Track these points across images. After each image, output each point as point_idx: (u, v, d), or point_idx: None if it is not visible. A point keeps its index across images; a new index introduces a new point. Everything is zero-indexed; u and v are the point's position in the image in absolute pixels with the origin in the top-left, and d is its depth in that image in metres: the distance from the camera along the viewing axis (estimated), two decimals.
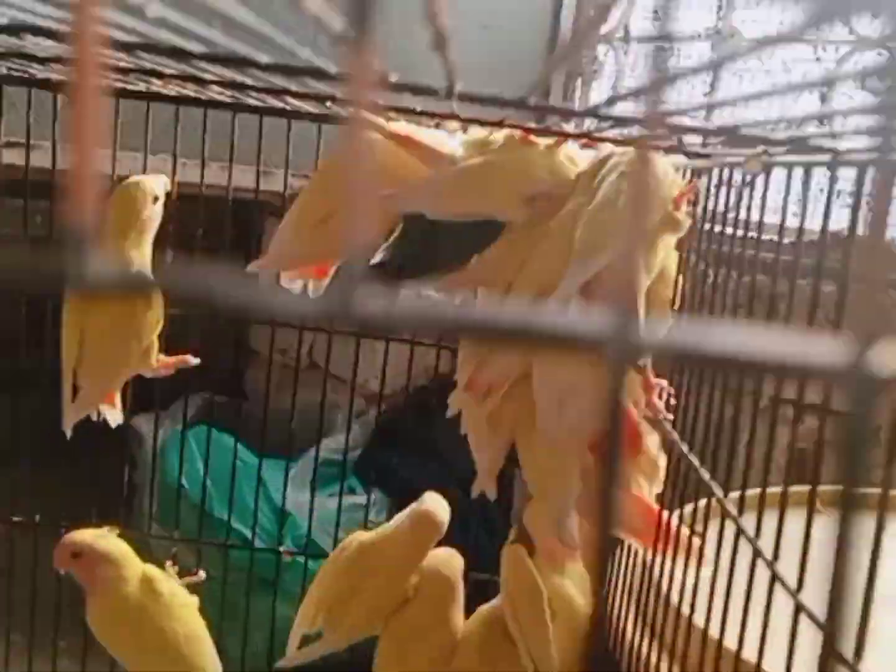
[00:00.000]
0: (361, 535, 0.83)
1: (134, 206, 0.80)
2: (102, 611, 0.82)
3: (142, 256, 0.81)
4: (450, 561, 0.81)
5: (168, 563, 0.89)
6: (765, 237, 0.61)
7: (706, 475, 0.63)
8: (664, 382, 0.63)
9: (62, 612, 0.99)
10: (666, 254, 0.62)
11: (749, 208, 0.63)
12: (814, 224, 0.58)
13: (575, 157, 0.65)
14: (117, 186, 0.82)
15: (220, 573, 1.13)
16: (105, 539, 0.84)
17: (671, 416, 0.64)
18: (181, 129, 0.97)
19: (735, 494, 0.60)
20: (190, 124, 0.98)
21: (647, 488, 0.64)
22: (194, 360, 0.87)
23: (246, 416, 1.50)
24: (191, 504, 1.15)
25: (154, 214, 0.82)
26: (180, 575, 0.90)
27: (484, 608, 0.80)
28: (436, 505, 0.81)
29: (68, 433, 0.83)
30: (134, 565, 0.84)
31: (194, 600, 0.88)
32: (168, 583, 0.86)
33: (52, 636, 1.02)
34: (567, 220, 0.60)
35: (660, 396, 0.62)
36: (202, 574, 0.92)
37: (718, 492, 0.61)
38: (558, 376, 0.59)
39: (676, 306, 0.65)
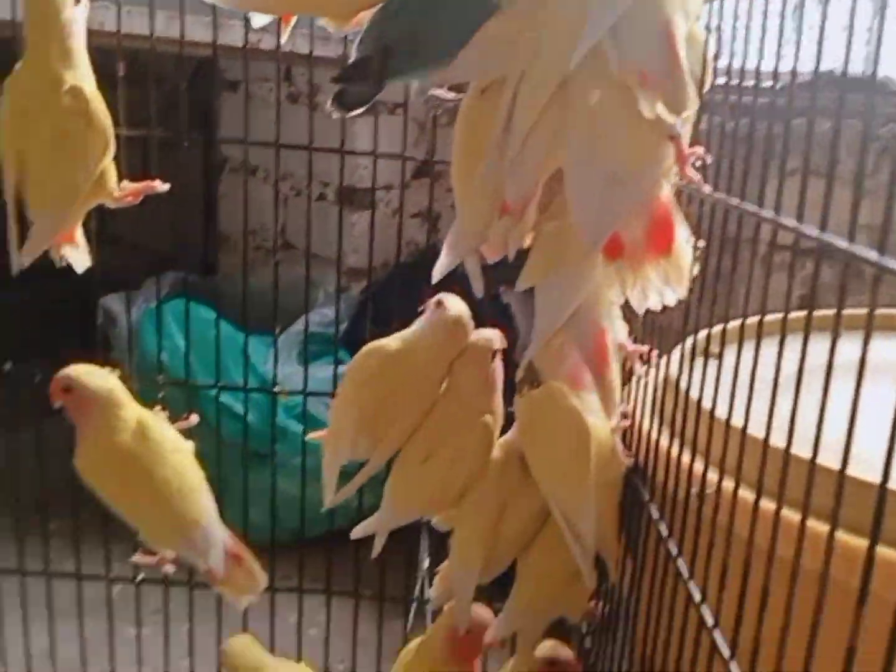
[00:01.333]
0: (378, 346, 0.78)
1: (50, 7, 0.72)
2: (92, 453, 0.77)
3: (72, 69, 0.73)
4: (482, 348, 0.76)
5: (157, 408, 0.84)
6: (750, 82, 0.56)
7: None
8: (699, 149, 0.56)
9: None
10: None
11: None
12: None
13: None
14: None
15: (214, 450, 1.11)
16: (103, 378, 0.79)
17: (707, 187, 0.58)
18: None
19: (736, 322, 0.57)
20: None
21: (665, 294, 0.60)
22: (163, 186, 0.80)
23: (221, 293, 1.45)
24: (172, 378, 1.11)
25: (77, 17, 0.74)
26: (171, 421, 0.84)
27: (500, 441, 0.77)
28: (458, 305, 0.76)
29: (14, 271, 0.76)
30: (130, 408, 0.79)
31: (189, 446, 0.83)
32: (162, 428, 0.81)
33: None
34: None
35: (693, 165, 0.56)
36: (195, 417, 0.86)
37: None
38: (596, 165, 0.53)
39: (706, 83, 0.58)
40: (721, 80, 0.60)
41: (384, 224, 1.10)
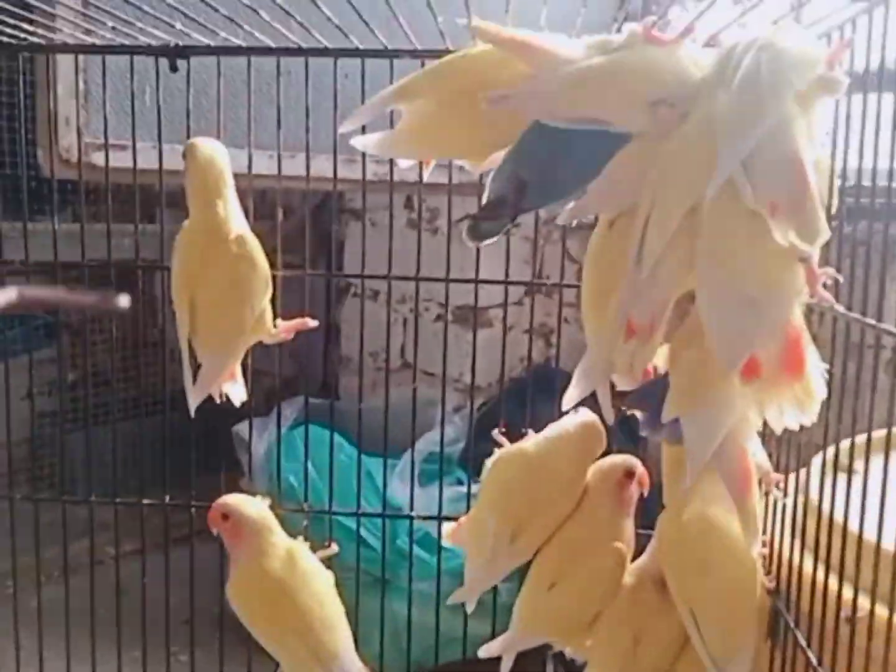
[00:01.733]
0: (517, 449, 0.80)
1: (215, 167, 0.81)
2: (243, 580, 0.80)
3: (233, 218, 0.81)
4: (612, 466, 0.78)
5: (300, 538, 0.86)
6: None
7: None
8: (830, 270, 0.56)
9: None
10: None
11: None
12: None
13: (699, 61, 0.58)
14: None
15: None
16: (255, 506, 0.83)
17: (840, 307, 0.57)
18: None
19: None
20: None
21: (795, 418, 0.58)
22: (313, 322, 0.85)
23: (342, 416, 1.48)
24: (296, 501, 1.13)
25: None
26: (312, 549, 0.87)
27: (633, 566, 0.75)
28: (592, 415, 0.78)
29: (192, 412, 0.82)
30: (280, 537, 0.83)
31: (331, 576, 0.86)
32: (309, 557, 0.83)
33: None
34: (698, 126, 0.54)
35: (824, 286, 0.55)
36: (335, 547, 0.89)
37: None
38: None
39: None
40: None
41: (498, 342, 1.11)
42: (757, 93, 0.52)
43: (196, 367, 0.82)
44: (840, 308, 0.59)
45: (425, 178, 0.78)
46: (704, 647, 0.64)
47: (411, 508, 1.10)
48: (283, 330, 0.83)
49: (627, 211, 0.60)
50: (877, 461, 0.58)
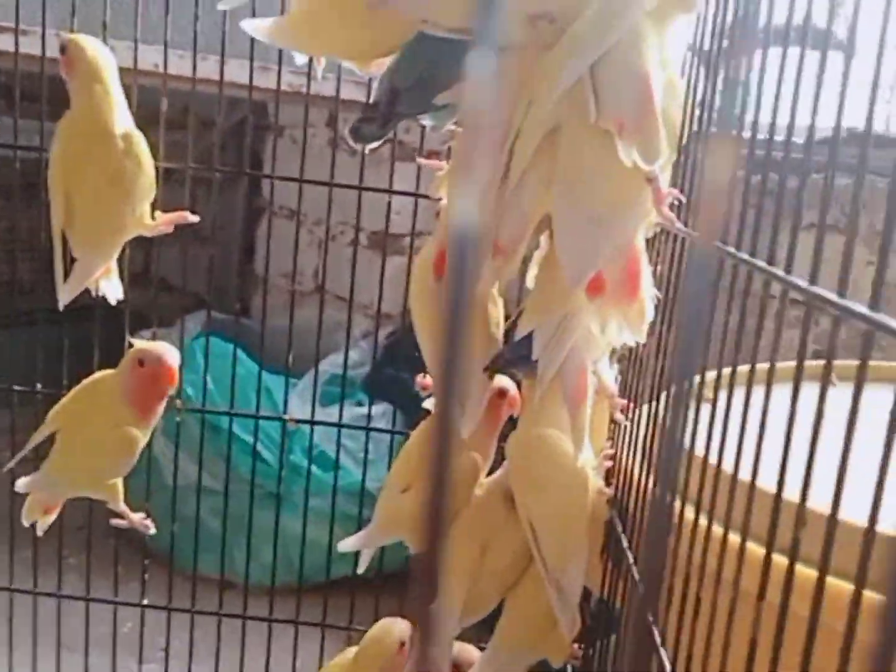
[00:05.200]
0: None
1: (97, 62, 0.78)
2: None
3: (119, 114, 0.78)
4: None
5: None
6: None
7: None
8: (676, 191, 0.58)
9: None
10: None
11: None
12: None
13: None
14: None
15: (223, 485, 1.12)
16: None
17: (684, 228, 0.59)
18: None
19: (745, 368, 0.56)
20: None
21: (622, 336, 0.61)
22: (193, 217, 0.82)
23: (250, 333, 1.47)
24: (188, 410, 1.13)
25: (115, 64, 0.80)
26: None
27: (487, 479, 0.77)
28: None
29: (60, 306, 0.80)
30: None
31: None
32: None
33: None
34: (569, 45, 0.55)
35: (670, 207, 0.57)
36: None
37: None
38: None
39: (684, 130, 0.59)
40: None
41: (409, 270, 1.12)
42: (608, 8, 0.54)
43: (70, 262, 0.79)
44: (682, 227, 0.59)
45: (319, 76, 0.76)
46: (541, 558, 0.66)
47: (312, 422, 1.11)
48: (162, 222, 0.81)
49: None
50: (739, 395, 0.59)
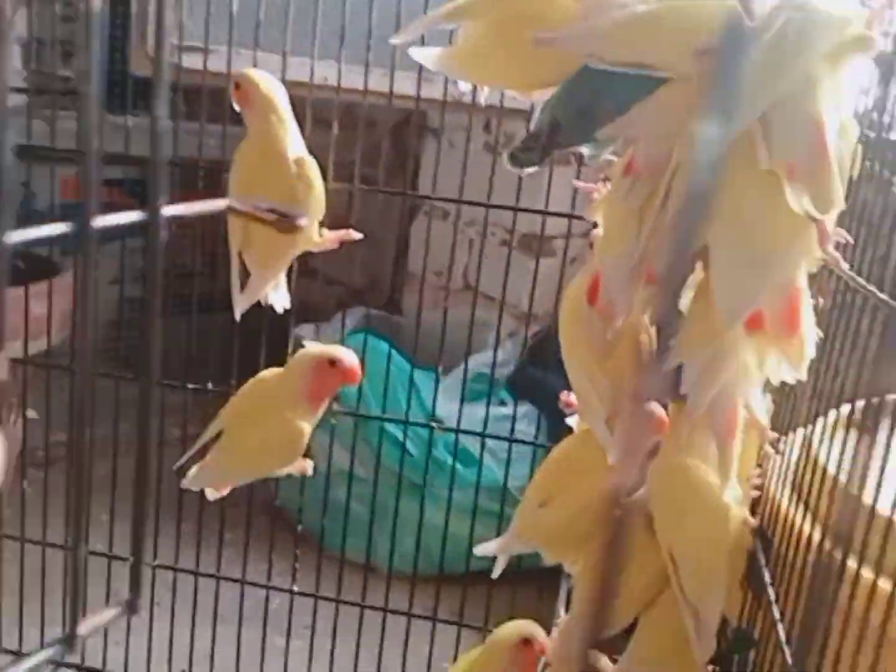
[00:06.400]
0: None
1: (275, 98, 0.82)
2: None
3: (291, 139, 0.83)
4: None
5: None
6: None
7: None
8: (842, 231, 0.57)
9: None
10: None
11: None
12: None
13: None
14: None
15: (372, 475, 1.17)
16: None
17: (845, 265, 0.57)
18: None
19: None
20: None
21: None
22: (357, 234, 0.87)
23: (401, 329, 1.53)
24: (345, 404, 1.20)
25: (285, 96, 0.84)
26: None
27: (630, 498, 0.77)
28: None
29: (237, 317, 0.87)
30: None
31: None
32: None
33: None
34: None
35: (835, 247, 0.56)
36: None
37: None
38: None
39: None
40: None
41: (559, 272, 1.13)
42: (781, 51, 0.53)
43: (246, 275, 0.86)
44: (846, 266, 0.58)
45: (482, 102, 0.79)
46: (679, 586, 0.66)
47: (458, 423, 1.15)
48: (328, 240, 0.86)
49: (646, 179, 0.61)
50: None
